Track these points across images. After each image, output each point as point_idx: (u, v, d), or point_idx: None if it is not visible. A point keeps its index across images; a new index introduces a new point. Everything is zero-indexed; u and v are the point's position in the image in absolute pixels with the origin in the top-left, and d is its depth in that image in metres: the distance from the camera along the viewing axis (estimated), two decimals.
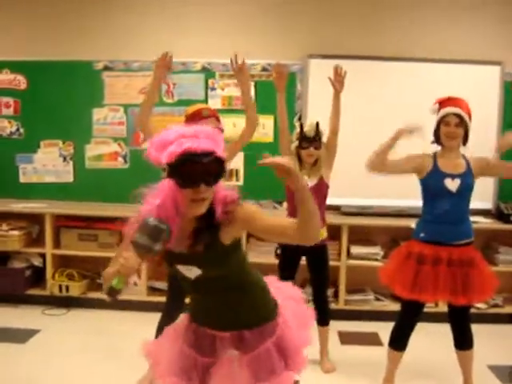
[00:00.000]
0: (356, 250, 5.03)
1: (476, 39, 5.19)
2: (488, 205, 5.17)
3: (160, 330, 3.63)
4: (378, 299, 5.08)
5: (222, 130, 3.40)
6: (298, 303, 2.38)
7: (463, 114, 3.26)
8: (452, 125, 3.25)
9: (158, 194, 1.90)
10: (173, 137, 1.82)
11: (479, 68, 5.16)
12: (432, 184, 3.32)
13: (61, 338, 4.49)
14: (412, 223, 4.91)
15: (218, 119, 3.50)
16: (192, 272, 2.01)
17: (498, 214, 5.15)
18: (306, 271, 4.06)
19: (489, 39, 5.19)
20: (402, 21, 5.24)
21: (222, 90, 5.31)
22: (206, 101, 5.24)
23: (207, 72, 5.31)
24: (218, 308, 2.11)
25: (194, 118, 3.44)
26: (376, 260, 5.00)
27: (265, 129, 5.17)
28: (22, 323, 4.73)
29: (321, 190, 3.85)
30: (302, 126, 3.80)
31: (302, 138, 3.77)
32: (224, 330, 2.12)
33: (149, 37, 5.29)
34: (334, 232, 4.70)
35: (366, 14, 5.24)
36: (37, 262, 5.27)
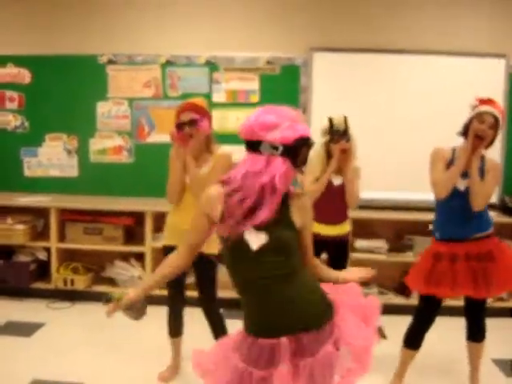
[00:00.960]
0: (360, 243, 5.03)
1: (481, 32, 5.16)
2: (493, 198, 5.13)
3: (170, 326, 3.67)
4: (381, 293, 5.08)
5: (195, 121, 3.38)
6: (356, 297, 2.37)
7: (500, 117, 3.22)
8: (486, 123, 3.19)
9: (274, 169, 2.00)
10: (279, 119, 2.00)
11: (484, 61, 5.13)
12: None
13: (65, 331, 4.51)
14: (417, 216, 4.93)
15: (193, 110, 3.42)
16: (258, 239, 2.04)
17: (502, 208, 5.14)
18: None
19: (494, 32, 5.16)
20: (406, 14, 5.21)
21: (227, 83, 5.30)
22: (210, 94, 5.23)
23: (211, 65, 5.30)
24: (273, 304, 2.08)
25: (177, 112, 3.49)
26: (380, 253, 5.00)
27: None
28: (27, 317, 4.75)
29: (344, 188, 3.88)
30: (331, 121, 3.80)
31: (333, 132, 3.78)
32: (280, 335, 2.08)
33: (152, 30, 5.29)
34: None
35: (369, 7, 5.21)
36: (42, 255, 5.29)
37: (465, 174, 3.27)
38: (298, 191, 2.15)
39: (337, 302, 2.23)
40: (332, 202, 3.84)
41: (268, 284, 2.07)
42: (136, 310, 2.22)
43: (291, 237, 2.10)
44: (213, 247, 3.12)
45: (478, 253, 3.28)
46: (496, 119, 3.21)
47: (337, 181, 3.85)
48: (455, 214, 3.30)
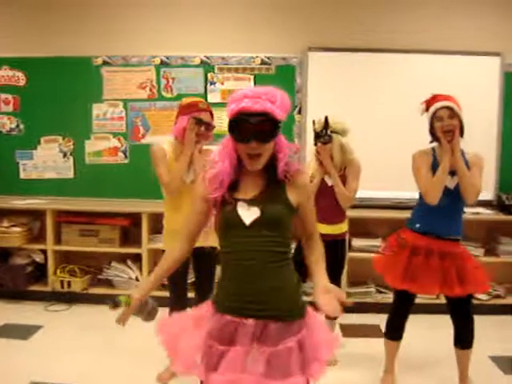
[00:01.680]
0: (357, 242, 5.03)
1: (476, 30, 5.17)
2: (489, 196, 5.16)
3: None
4: (379, 291, 5.09)
5: (213, 127, 3.47)
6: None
7: (454, 105, 3.23)
8: (445, 118, 3.22)
9: (223, 149, 2.12)
10: (239, 96, 2.03)
11: (479, 59, 5.14)
12: None
13: (63, 333, 4.50)
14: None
15: (211, 115, 3.51)
16: (250, 213, 2.08)
17: (499, 205, 5.15)
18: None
19: (488, 30, 5.17)
20: (400, 13, 5.22)
21: (222, 83, 5.30)
22: (205, 95, 5.23)
23: (206, 66, 5.30)
24: (254, 283, 2.08)
25: (189, 108, 3.46)
26: (377, 252, 5.00)
27: None
28: (24, 319, 4.73)
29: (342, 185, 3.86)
30: (313, 123, 3.83)
31: (314, 134, 3.82)
32: (250, 317, 2.07)
33: (147, 31, 5.29)
34: None
35: (365, 6, 5.22)
36: (38, 258, 5.28)
37: (452, 173, 3.25)
38: (294, 170, 2.15)
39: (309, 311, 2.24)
40: (327, 202, 3.85)
41: (258, 261, 2.08)
42: (147, 312, 2.25)
43: (285, 213, 2.13)
44: (212, 240, 3.17)
45: (451, 252, 3.29)
46: (451, 108, 3.22)
47: (330, 181, 3.85)
48: (441, 210, 3.26)
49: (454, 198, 3.26)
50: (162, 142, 3.61)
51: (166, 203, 3.60)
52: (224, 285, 2.19)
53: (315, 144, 3.82)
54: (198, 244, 3.32)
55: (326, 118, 3.76)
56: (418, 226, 3.39)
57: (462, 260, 3.30)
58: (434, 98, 3.31)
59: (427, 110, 3.34)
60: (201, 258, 3.46)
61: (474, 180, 3.22)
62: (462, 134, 3.28)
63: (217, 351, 2.08)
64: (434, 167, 3.31)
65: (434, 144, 3.38)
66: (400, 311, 3.51)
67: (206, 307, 2.22)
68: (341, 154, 3.82)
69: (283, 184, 2.14)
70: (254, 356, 2.04)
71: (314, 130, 3.82)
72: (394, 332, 3.54)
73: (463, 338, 3.41)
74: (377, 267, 3.57)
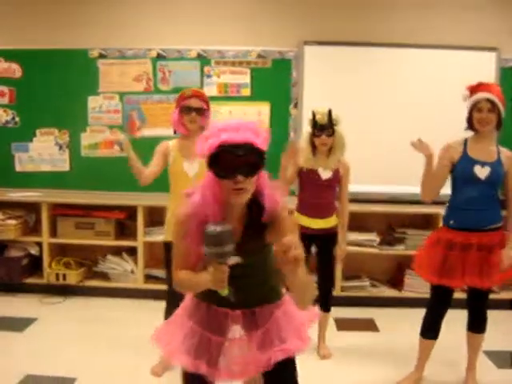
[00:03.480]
0: (352, 236, 5.02)
1: (472, 25, 5.16)
2: None
3: (166, 318, 3.65)
4: (373, 285, 5.10)
5: (205, 110, 3.49)
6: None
7: (495, 98, 3.23)
8: (484, 110, 3.22)
9: (201, 188, 1.99)
10: (214, 130, 1.92)
11: (475, 54, 5.13)
12: (461, 171, 3.30)
13: (58, 326, 4.50)
14: (408, 209, 4.95)
15: (202, 99, 3.52)
16: (231, 260, 2.03)
17: None
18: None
19: (485, 25, 5.16)
20: (397, 7, 5.21)
21: (218, 77, 5.29)
22: (201, 88, 5.21)
23: (203, 59, 5.28)
24: (237, 289, 2.09)
25: (178, 100, 3.53)
26: (372, 246, 5.02)
27: (261, 116, 5.15)
28: (19, 312, 4.74)
29: (335, 181, 3.87)
30: (314, 114, 3.79)
31: (315, 125, 3.77)
32: (237, 308, 2.15)
33: (143, 24, 5.27)
34: None
35: (360, 0, 5.22)
36: (34, 250, 5.27)
37: (484, 163, 3.25)
38: (278, 212, 2.05)
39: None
40: (320, 197, 3.85)
41: (237, 279, 2.05)
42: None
43: (266, 253, 2.14)
44: None
45: (489, 243, 3.27)
46: (492, 101, 3.22)
47: (325, 175, 3.84)
48: (474, 202, 3.27)
49: (484, 188, 3.26)
50: (170, 138, 3.70)
51: (170, 197, 3.64)
52: None
53: (317, 136, 3.77)
54: None
55: (330, 111, 3.73)
56: (451, 222, 3.38)
57: (493, 250, 3.28)
58: (479, 87, 3.30)
59: (470, 97, 3.32)
60: None
61: None
62: (499, 127, 3.30)
63: (215, 342, 2.15)
64: (462, 160, 3.31)
65: (468, 134, 3.38)
66: (436, 309, 3.48)
67: (189, 300, 2.27)
68: (343, 147, 3.83)
69: (264, 226, 2.06)
70: (249, 342, 2.15)
71: (317, 122, 3.75)
72: (430, 331, 3.50)
73: (478, 323, 3.51)
74: (415, 267, 3.57)
